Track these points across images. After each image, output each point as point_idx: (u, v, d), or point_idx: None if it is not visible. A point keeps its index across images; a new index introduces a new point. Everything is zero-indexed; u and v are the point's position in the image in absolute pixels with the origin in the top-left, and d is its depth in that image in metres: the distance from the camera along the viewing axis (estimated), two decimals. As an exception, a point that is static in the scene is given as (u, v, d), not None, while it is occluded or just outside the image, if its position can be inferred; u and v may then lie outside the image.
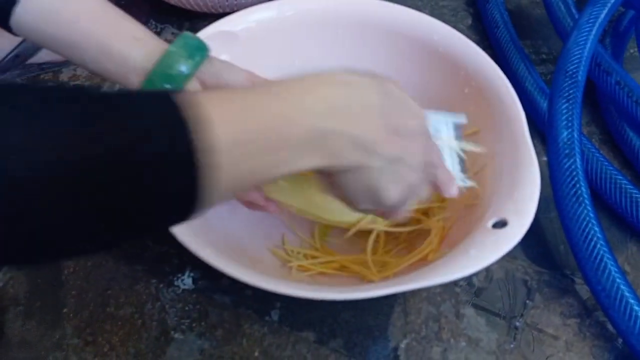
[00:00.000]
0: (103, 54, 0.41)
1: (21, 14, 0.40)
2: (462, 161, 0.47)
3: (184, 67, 0.41)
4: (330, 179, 0.36)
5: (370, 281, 0.47)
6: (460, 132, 0.48)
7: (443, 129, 0.47)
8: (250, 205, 0.48)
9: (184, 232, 0.42)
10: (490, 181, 0.47)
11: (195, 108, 0.27)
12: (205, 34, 0.53)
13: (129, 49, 0.41)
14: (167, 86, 0.41)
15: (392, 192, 0.37)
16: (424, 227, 0.50)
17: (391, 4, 0.55)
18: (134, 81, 0.42)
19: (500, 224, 0.40)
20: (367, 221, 0.49)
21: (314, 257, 0.50)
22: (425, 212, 0.52)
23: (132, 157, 0.26)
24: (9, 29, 0.41)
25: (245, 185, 0.31)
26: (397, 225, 0.51)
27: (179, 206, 0.28)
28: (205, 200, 0.28)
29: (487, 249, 0.39)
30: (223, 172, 0.28)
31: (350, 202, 0.38)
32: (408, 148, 0.36)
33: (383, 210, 0.40)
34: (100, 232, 0.27)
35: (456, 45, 0.52)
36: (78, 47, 0.41)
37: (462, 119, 0.47)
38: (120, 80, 0.42)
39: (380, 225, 0.50)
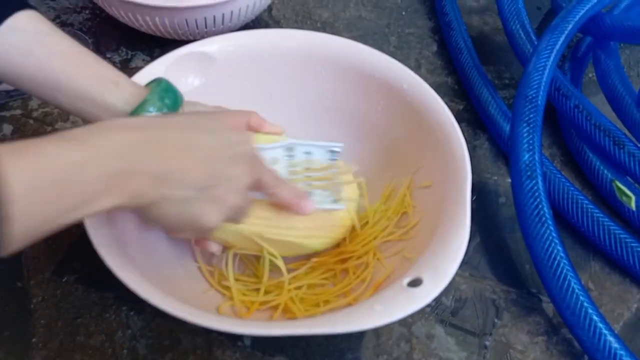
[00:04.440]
0: (80, 96, 0.42)
1: None
2: (335, 185, 0.50)
3: (159, 113, 0.43)
4: (140, 213, 0.37)
5: (292, 316, 0.48)
6: (336, 160, 0.51)
7: (316, 154, 0.50)
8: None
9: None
10: (423, 237, 0.47)
11: None
12: (181, 53, 0.54)
13: (108, 94, 0.42)
14: None
15: (211, 216, 0.38)
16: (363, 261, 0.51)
17: (367, 48, 0.56)
18: None
19: (416, 282, 0.40)
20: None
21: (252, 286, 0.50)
22: (365, 252, 0.52)
23: None
24: None
25: (41, 232, 0.31)
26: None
27: None
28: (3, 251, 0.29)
29: (394, 306, 0.38)
30: (16, 223, 0.28)
31: (170, 231, 0.40)
32: (224, 173, 0.38)
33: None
34: None
35: (423, 97, 0.53)
36: (52, 88, 0.42)
37: (337, 148, 0.50)
38: (93, 120, 0.43)
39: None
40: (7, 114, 0.64)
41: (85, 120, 0.43)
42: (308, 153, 0.50)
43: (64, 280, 0.51)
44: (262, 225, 0.46)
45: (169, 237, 0.49)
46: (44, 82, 0.41)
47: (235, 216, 0.41)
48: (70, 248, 0.53)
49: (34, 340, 0.48)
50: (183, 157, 0.36)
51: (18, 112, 0.64)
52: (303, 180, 0.49)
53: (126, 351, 0.48)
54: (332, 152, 0.51)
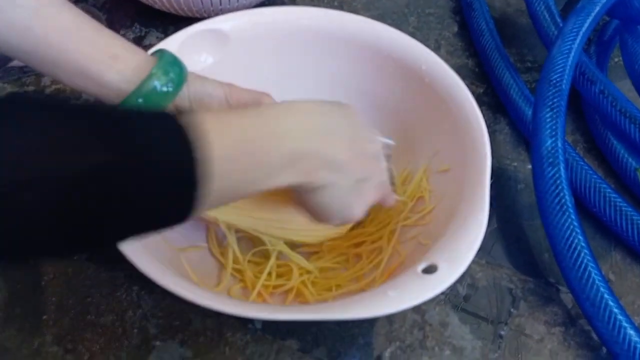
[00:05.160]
0: (78, 73, 0.40)
1: None
2: (392, 177, 0.49)
3: (164, 88, 0.41)
4: (303, 197, 0.39)
5: (304, 300, 0.47)
6: (390, 152, 0.49)
7: None
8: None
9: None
10: (440, 222, 0.46)
11: (197, 126, 0.30)
12: (195, 30, 0.53)
13: (105, 71, 0.40)
14: (144, 105, 0.41)
15: (358, 208, 0.41)
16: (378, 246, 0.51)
17: (385, 26, 0.55)
18: (111, 98, 0.41)
19: (431, 269, 0.39)
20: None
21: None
22: (379, 237, 0.51)
23: (137, 167, 0.28)
24: None
25: (228, 198, 0.34)
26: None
27: (174, 214, 0.31)
28: (197, 210, 0.30)
29: (408, 293, 0.38)
30: (214, 183, 0.30)
31: (321, 218, 0.41)
32: (370, 169, 0.41)
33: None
34: (92, 233, 0.28)
35: (442, 79, 0.51)
36: (51, 64, 0.40)
37: (391, 141, 0.49)
38: (97, 96, 0.41)
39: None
40: (20, 90, 0.63)
41: (95, 97, 0.42)
42: None
43: (75, 258, 0.51)
44: (256, 223, 0.47)
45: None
46: (43, 58, 0.40)
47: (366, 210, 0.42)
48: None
49: (44, 317, 0.48)
50: (347, 149, 0.38)
51: (31, 88, 0.63)
52: None
53: (136, 330, 0.48)
54: (387, 148, 0.49)
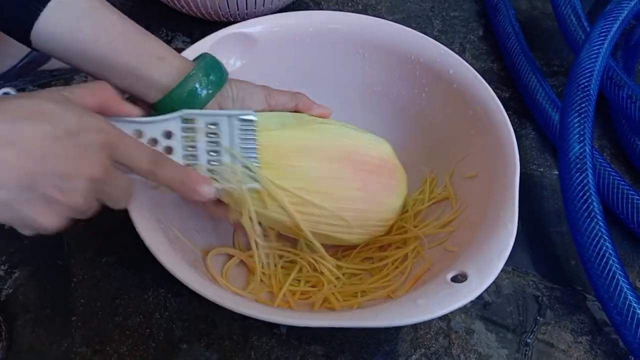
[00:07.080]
0: (128, 72, 0.41)
1: (41, 29, 0.39)
2: (247, 159, 0.43)
3: (203, 91, 0.42)
4: None
5: (330, 306, 0.47)
6: (251, 131, 0.43)
7: (223, 125, 0.43)
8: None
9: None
10: (466, 230, 0.46)
11: None
12: (223, 34, 0.53)
13: (153, 70, 0.42)
14: (185, 106, 0.42)
15: (47, 219, 0.34)
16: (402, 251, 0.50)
17: (411, 31, 0.55)
18: (153, 97, 0.42)
19: (460, 278, 0.39)
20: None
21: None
22: (404, 242, 0.51)
23: None
24: (28, 44, 0.40)
25: None
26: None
27: None
28: None
29: (437, 301, 0.38)
30: None
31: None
32: (56, 170, 0.33)
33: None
34: None
35: (470, 84, 0.51)
36: (97, 64, 0.41)
37: (250, 116, 0.43)
38: (139, 95, 0.43)
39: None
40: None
41: (135, 96, 0.43)
42: (214, 125, 0.42)
43: (104, 260, 0.52)
44: (304, 219, 0.45)
45: (212, 221, 0.49)
46: (92, 58, 0.41)
47: (90, 208, 0.37)
48: (111, 229, 0.53)
49: (74, 318, 0.49)
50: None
51: (60, 91, 0.64)
52: (206, 157, 0.42)
53: (163, 333, 0.48)
54: (244, 120, 0.43)
